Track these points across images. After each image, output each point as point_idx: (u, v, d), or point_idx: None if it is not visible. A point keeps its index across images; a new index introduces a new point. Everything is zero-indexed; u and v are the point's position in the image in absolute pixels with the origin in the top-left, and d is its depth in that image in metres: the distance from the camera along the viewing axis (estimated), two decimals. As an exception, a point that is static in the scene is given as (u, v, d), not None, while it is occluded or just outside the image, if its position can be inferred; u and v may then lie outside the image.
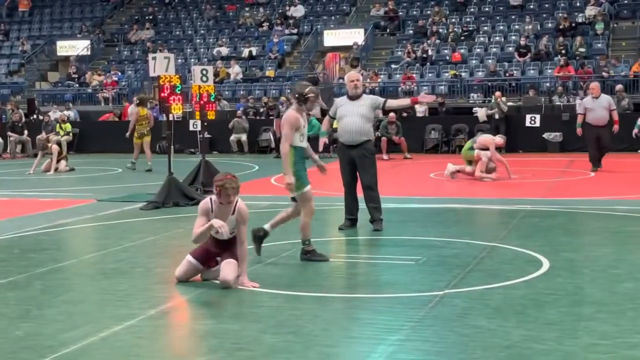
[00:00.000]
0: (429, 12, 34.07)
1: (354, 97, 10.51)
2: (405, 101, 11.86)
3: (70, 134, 25.57)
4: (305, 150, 8.68)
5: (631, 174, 17.67)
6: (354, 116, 10.39)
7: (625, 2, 31.82)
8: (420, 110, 26.32)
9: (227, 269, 7.33)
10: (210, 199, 7.51)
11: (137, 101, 21.43)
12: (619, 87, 25.08)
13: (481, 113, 25.03)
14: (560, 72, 27.28)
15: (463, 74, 28.84)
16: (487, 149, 16.23)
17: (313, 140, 23.69)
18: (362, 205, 10.61)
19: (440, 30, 32.07)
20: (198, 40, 35.53)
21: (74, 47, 36.75)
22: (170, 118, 13.92)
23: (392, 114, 23.32)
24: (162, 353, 5.70)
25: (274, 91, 30.15)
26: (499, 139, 17.13)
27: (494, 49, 30.38)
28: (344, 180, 10.58)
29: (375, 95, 11.18)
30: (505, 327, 5.96)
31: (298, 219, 8.56)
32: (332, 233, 10.47)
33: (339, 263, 8.78)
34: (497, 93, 25.34)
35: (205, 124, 15.95)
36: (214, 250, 7.57)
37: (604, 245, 9.31)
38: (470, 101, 27.61)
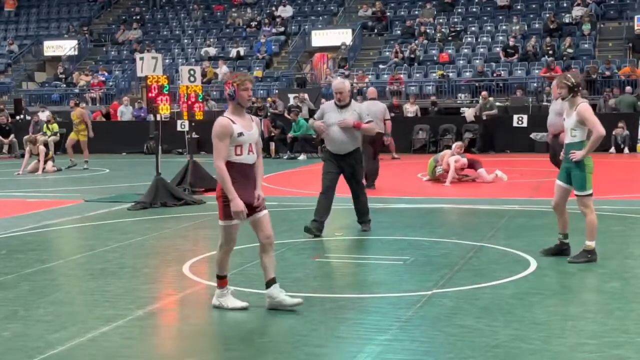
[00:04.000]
0: (416, 12, 34.12)
1: (341, 105, 10.18)
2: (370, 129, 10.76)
3: (58, 135, 25.46)
4: (576, 145, 8.28)
5: (617, 174, 17.74)
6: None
7: (612, 2, 31.96)
8: (412, 110, 26.40)
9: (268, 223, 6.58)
10: (227, 117, 6.46)
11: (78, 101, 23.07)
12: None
13: (468, 113, 25.10)
14: (547, 73, 27.36)
15: (451, 74, 28.90)
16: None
17: (302, 140, 24.00)
18: (345, 205, 10.61)
19: (428, 30, 32.13)
20: (186, 41, 35.47)
21: (61, 47, 36.60)
22: (158, 118, 13.90)
23: (381, 115, 23.32)
24: (150, 354, 5.69)
25: (261, 91, 30.12)
26: (460, 143, 16.86)
27: (482, 50, 30.45)
28: (324, 183, 10.22)
29: (363, 111, 10.30)
30: (493, 326, 5.98)
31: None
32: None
33: (327, 263, 8.79)
34: (484, 93, 25.44)
35: (193, 124, 15.92)
36: (247, 191, 6.45)
37: (591, 244, 9.33)
38: (458, 101, 27.66)
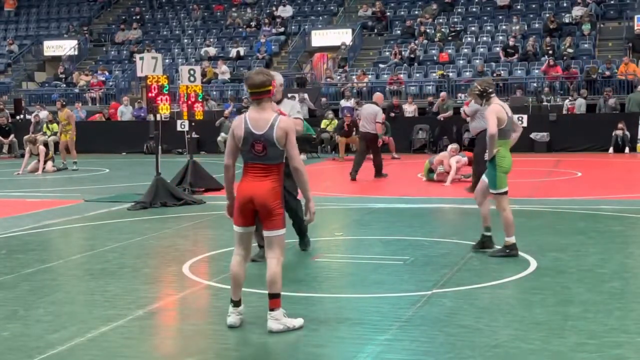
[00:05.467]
0: (416, 12, 34.11)
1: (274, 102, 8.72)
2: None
3: (58, 134, 25.45)
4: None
5: (617, 174, 17.76)
6: None
7: (612, 2, 31.95)
8: (410, 110, 26.43)
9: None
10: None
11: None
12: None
13: (468, 113, 25.12)
14: (548, 71, 27.36)
15: (451, 74, 28.88)
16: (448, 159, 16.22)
17: (301, 140, 23.96)
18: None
19: (428, 30, 32.12)
20: (185, 40, 35.46)
21: (61, 47, 36.57)
22: (158, 118, 13.90)
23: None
24: (150, 354, 5.69)
25: (261, 91, 30.04)
26: (455, 145, 16.98)
27: (482, 49, 30.44)
28: None
29: (299, 113, 8.93)
30: (493, 326, 5.98)
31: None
32: (320, 233, 10.46)
33: (327, 263, 8.78)
34: (443, 94, 25.44)
35: (193, 124, 15.92)
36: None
37: (591, 244, 9.35)
38: (458, 101, 27.59)
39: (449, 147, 16.89)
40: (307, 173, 6.02)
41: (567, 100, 25.44)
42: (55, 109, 23.33)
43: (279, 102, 8.72)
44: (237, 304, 6.09)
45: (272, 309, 5.97)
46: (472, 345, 5.55)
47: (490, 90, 8.71)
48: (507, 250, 8.57)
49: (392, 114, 25.53)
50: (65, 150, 21.37)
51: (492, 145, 8.55)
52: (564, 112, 25.07)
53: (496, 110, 8.62)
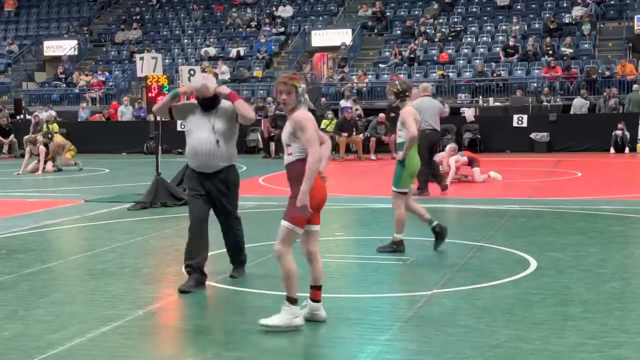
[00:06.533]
0: (416, 12, 34.13)
1: (207, 105, 7.33)
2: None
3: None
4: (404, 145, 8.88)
5: (617, 174, 17.76)
6: (205, 132, 7.23)
7: (612, 2, 31.97)
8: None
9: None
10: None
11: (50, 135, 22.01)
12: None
13: (468, 113, 25.09)
14: (547, 73, 27.38)
15: (451, 74, 28.89)
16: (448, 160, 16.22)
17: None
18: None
19: (428, 30, 32.13)
20: (185, 41, 35.47)
21: (61, 47, 36.60)
22: (158, 118, 13.89)
23: (381, 114, 23.35)
24: (150, 354, 5.69)
25: (261, 91, 30.10)
26: (453, 145, 16.94)
27: (481, 50, 30.45)
28: (193, 215, 7.41)
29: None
30: (493, 326, 5.98)
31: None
32: (320, 233, 10.43)
33: (327, 263, 8.78)
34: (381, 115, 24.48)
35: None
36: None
37: (591, 245, 9.35)
38: (458, 101, 27.64)
39: (448, 146, 16.77)
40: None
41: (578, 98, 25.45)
42: (56, 109, 23.32)
43: (214, 107, 7.38)
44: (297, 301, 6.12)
45: (320, 300, 6.20)
46: (472, 345, 5.55)
47: (408, 94, 8.98)
48: (394, 247, 8.86)
49: (392, 114, 25.51)
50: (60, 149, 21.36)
51: (411, 146, 8.79)
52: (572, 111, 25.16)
53: (412, 113, 8.92)
